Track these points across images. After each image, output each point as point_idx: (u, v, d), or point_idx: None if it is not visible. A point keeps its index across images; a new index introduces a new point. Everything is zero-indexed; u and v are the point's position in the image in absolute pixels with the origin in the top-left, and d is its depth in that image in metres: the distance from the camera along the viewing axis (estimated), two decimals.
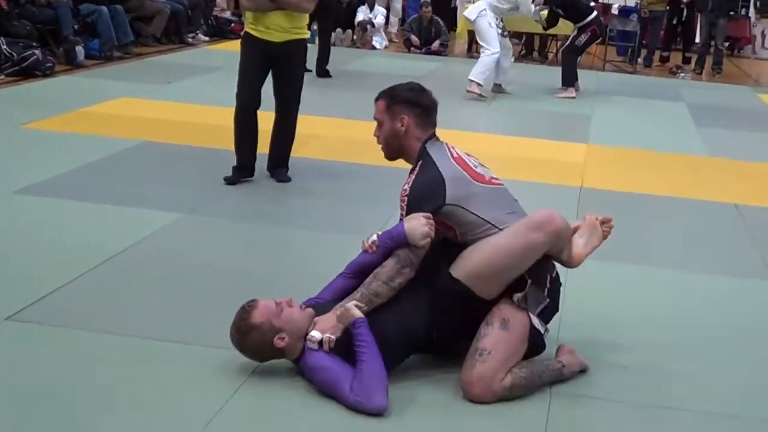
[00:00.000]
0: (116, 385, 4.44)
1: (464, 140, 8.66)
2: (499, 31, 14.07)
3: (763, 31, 23.03)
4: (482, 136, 10.53)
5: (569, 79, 14.47)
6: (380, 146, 4.96)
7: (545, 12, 14.88)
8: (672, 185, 9.13)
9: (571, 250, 4.82)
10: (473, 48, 19.52)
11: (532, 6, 14.15)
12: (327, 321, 4.49)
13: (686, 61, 19.70)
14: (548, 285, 4.71)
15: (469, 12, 14.01)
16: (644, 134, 11.89)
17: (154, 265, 6.05)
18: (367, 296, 4.50)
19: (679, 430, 4.46)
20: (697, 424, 4.52)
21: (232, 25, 19.68)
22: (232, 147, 8.03)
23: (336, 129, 10.67)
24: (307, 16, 8.07)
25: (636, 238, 7.29)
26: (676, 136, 11.99)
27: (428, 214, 4.54)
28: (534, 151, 10.16)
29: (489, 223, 4.62)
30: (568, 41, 14.67)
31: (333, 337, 4.43)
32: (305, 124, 10.48)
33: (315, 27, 15.57)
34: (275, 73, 7.96)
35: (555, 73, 14.72)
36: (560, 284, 4.84)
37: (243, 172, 8.01)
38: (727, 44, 20.90)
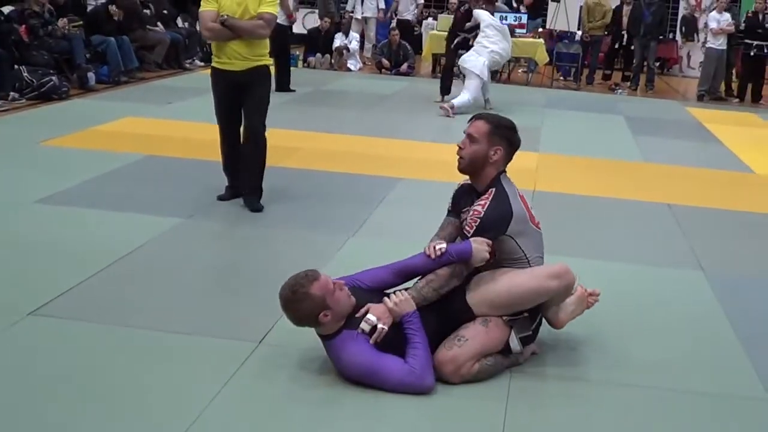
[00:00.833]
0: (126, 372, 4.42)
1: (429, 150, 8.62)
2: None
3: (688, 53, 23.22)
4: (445, 146, 10.51)
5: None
6: (459, 157, 4.76)
7: None
8: (613, 188, 9.15)
9: (558, 313, 4.84)
10: (437, 69, 19.55)
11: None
12: (381, 310, 4.44)
13: (626, 79, 19.77)
14: (537, 321, 4.76)
15: (471, 65, 13.80)
16: (588, 143, 11.90)
17: (158, 265, 6.03)
18: (417, 298, 4.47)
19: (626, 403, 4.45)
20: (645, 398, 4.51)
21: None
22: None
23: (317, 142, 10.62)
24: (267, 43, 7.54)
25: (582, 235, 7.32)
26: (616, 144, 12.02)
27: (490, 241, 4.55)
28: None
29: (525, 257, 4.66)
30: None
31: (386, 328, 4.38)
32: (290, 137, 10.54)
33: (298, 52, 15.59)
34: (243, 99, 7.40)
35: (510, 91, 14.71)
36: (541, 323, 4.84)
37: (234, 191, 7.61)
38: (658, 64, 21.06)
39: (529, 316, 4.68)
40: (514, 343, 4.61)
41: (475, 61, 13.70)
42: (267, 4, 7.26)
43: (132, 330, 4.90)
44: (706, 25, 19.49)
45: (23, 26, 13.78)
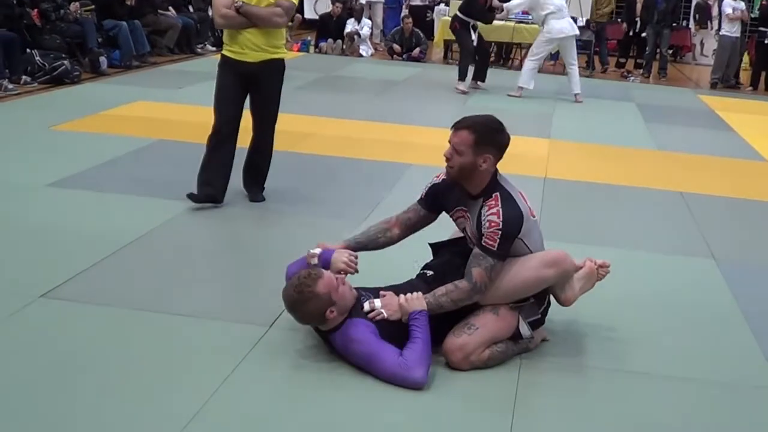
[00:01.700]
0: (137, 354, 4.44)
1: (441, 135, 8.58)
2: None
3: (701, 40, 23.11)
4: None
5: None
6: (447, 166, 4.62)
7: None
8: (625, 175, 9.13)
9: (567, 292, 4.82)
10: (449, 55, 19.57)
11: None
12: (392, 301, 4.45)
13: (638, 66, 19.74)
14: (544, 305, 4.75)
15: (571, 28, 14.32)
16: (600, 130, 11.89)
17: (169, 248, 6.04)
18: (432, 304, 4.45)
19: (638, 392, 4.44)
20: (654, 387, 4.51)
21: None
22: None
23: (329, 127, 10.62)
24: (283, 34, 7.06)
25: (593, 222, 7.32)
26: (628, 131, 11.99)
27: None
28: None
29: (529, 250, 4.61)
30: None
31: (384, 314, 4.40)
32: (302, 123, 10.55)
33: (309, 38, 15.59)
34: (251, 94, 6.97)
35: (518, 77, 14.66)
36: (550, 305, 4.83)
37: (209, 195, 6.91)
38: (671, 51, 21.00)
39: (536, 301, 4.68)
40: (524, 329, 4.61)
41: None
42: None
43: (142, 313, 4.92)
44: (719, 12, 19.42)
45: (35, 10, 13.77)
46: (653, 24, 18.67)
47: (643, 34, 19.47)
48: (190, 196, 6.83)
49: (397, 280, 4.75)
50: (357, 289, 4.57)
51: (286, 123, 10.43)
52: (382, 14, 22.39)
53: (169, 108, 11.22)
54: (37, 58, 12.74)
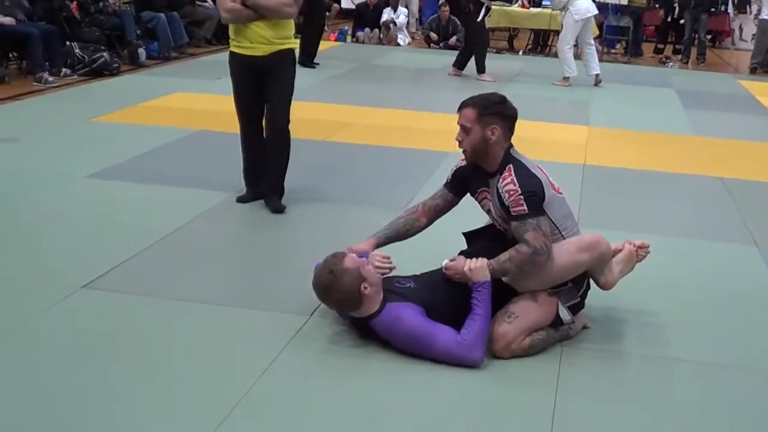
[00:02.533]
0: (178, 344, 4.46)
1: None
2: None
3: (740, 25, 22.98)
4: None
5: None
6: (462, 149, 4.71)
7: None
8: (664, 162, 9.06)
9: (607, 275, 4.81)
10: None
11: None
12: (457, 266, 4.46)
13: (677, 52, 19.62)
14: (583, 288, 4.73)
15: (594, 7, 14.29)
16: (638, 117, 11.82)
17: (208, 239, 6.05)
18: (496, 270, 4.43)
19: (678, 378, 4.42)
20: (694, 373, 4.48)
21: None
22: None
23: (366, 116, 10.62)
24: (292, 25, 6.64)
25: (633, 209, 7.27)
26: (667, 118, 11.89)
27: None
28: (541, 132, 10.09)
29: (557, 228, 4.59)
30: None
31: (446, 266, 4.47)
32: (339, 112, 10.58)
33: (346, 27, 15.59)
34: (263, 88, 6.61)
35: (559, 64, 14.57)
36: (590, 289, 4.81)
37: (257, 192, 6.83)
38: (709, 37, 20.85)
39: (574, 285, 4.65)
40: (564, 314, 4.58)
41: None
42: None
43: (182, 303, 4.94)
44: None
45: (74, 3, 13.89)
46: (691, 9, 18.55)
47: (682, 21, 19.33)
48: (241, 200, 6.81)
49: (431, 267, 4.75)
50: (393, 278, 4.59)
51: (322, 112, 10.47)
52: (418, 2, 22.36)
53: (208, 99, 11.24)
54: (77, 50, 12.83)
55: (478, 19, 14.34)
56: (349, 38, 19.42)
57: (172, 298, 4.99)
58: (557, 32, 18.85)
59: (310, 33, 14.84)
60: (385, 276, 4.57)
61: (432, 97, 12.27)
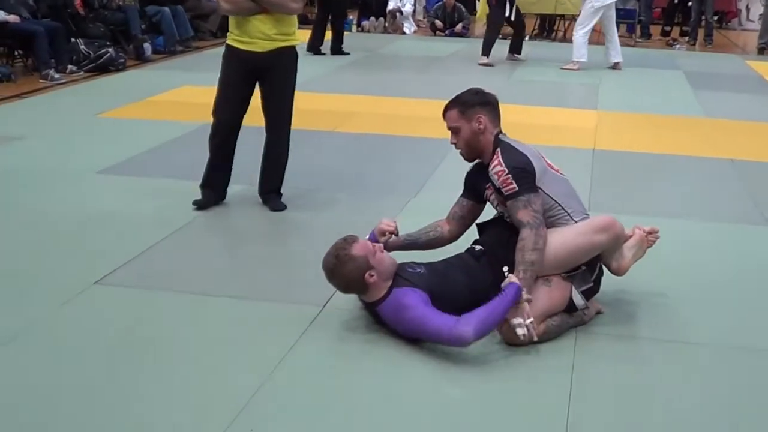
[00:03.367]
0: (193, 337, 4.47)
1: None
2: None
3: (747, 5, 22.92)
4: (504, 107, 10.44)
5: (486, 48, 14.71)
6: (459, 151, 4.78)
7: None
8: (674, 144, 9.04)
9: (620, 260, 4.83)
10: None
11: None
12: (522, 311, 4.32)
13: (684, 34, 19.58)
14: (596, 272, 4.72)
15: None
16: (647, 100, 11.80)
17: (219, 232, 6.08)
18: (527, 269, 4.40)
19: (694, 362, 4.40)
20: (711, 356, 4.47)
21: None
22: None
23: (374, 106, 10.62)
24: (295, 20, 6.37)
25: (644, 192, 7.27)
26: (676, 100, 11.87)
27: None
28: (551, 118, 10.10)
29: (561, 206, 4.60)
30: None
31: (531, 328, 4.30)
32: (346, 102, 10.58)
33: (351, 16, 15.81)
34: (263, 87, 6.37)
35: (564, 49, 14.57)
36: (603, 274, 4.81)
37: (215, 195, 6.56)
38: (716, 18, 20.78)
39: (588, 269, 4.65)
40: (578, 298, 4.58)
41: None
42: None
43: (195, 296, 4.94)
44: None
45: None
46: None
47: (689, 2, 19.27)
48: (200, 205, 6.45)
49: (446, 255, 4.76)
50: (406, 263, 4.59)
51: (329, 102, 10.46)
52: None
53: (214, 92, 11.21)
54: (82, 46, 12.84)
55: (506, 12, 14.67)
56: (354, 28, 19.40)
57: (184, 292, 5.00)
58: (563, 17, 18.91)
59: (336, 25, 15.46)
60: (399, 263, 4.57)
61: (439, 85, 12.21)
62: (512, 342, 4.39)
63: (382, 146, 8.61)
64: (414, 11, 20.85)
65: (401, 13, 19.63)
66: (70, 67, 12.44)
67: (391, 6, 19.64)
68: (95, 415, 3.72)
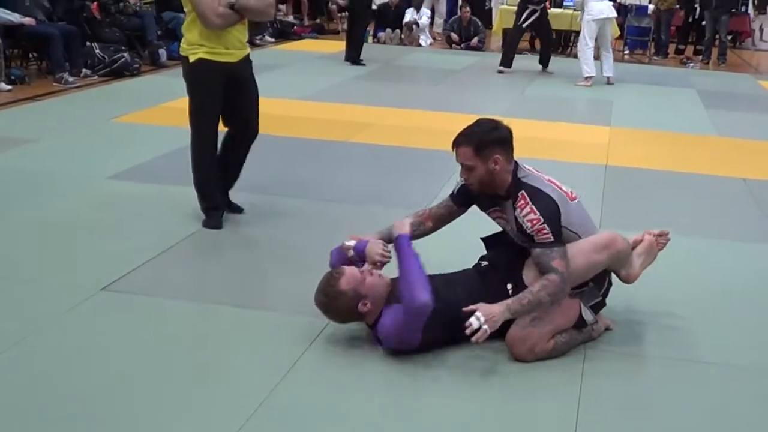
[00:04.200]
0: (198, 346, 4.45)
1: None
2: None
3: (761, 26, 22.89)
4: (517, 121, 10.40)
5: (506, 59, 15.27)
6: (469, 185, 4.62)
7: None
8: (686, 162, 9.00)
9: (629, 269, 4.79)
10: None
11: None
12: (491, 311, 4.27)
13: (698, 53, 19.56)
14: (605, 286, 4.69)
15: (610, 10, 14.48)
16: (660, 117, 11.76)
17: (229, 241, 6.04)
18: (532, 302, 4.31)
19: (702, 381, 4.36)
20: (718, 376, 4.43)
21: (295, 27, 19.96)
22: (294, 134, 7.90)
23: (388, 117, 10.58)
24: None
25: (655, 209, 7.23)
26: (689, 118, 11.82)
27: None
28: (564, 133, 10.06)
29: (576, 235, 4.54)
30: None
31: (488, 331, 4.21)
32: (360, 113, 10.56)
33: (368, 28, 16.00)
34: (233, 95, 6.17)
35: (577, 65, 14.55)
36: (611, 286, 4.77)
37: (220, 211, 6.36)
38: (730, 37, 20.75)
39: (596, 285, 4.62)
40: (587, 315, 4.55)
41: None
42: None
43: (202, 305, 4.92)
44: None
45: (95, 3, 13.92)
46: (712, 10, 18.46)
47: (703, 22, 19.26)
48: (208, 225, 6.23)
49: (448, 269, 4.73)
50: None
51: (344, 113, 10.45)
52: (446, 3, 22.28)
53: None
54: (97, 50, 12.86)
55: (520, 22, 15.24)
56: (370, 39, 19.38)
57: (191, 300, 4.98)
58: (578, 33, 18.88)
59: (357, 31, 15.78)
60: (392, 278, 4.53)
61: (454, 97, 12.21)
62: (522, 359, 4.37)
63: (395, 157, 8.57)
64: (431, 24, 20.84)
65: (417, 25, 19.63)
66: (84, 71, 12.45)
67: (407, 18, 19.63)
68: (98, 421, 3.69)
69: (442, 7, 21.97)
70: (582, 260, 4.48)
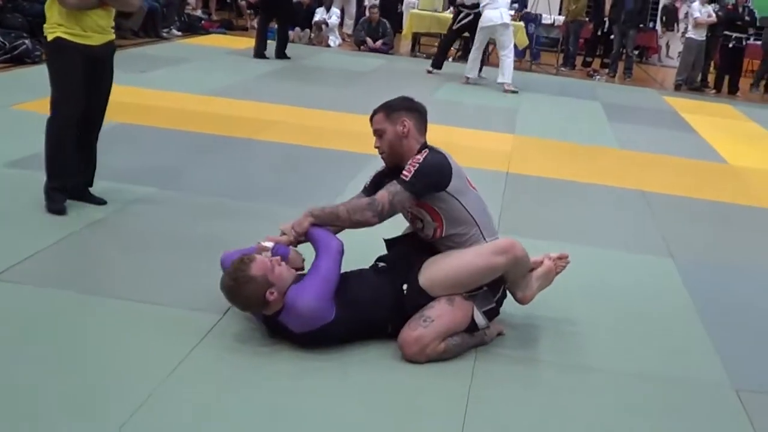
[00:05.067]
0: (88, 338, 4.40)
1: None
2: None
3: (667, 42, 23.33)
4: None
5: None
6: (382, 156, 4.79)
7: None
8: (587, 173, 9.14)
9: (525, 291, 4.87)
10: (416, 48, 19.55)
11: None
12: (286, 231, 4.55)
13: (605, 66, 19.87)
14: (499, 294, 4.75)
15: (500, 17, 14.58)
16: (564, 128, 11.94)
17: (126, 234, 5.98)
18: (328, 212, 4.61)
19: (589, 386, 4.46)
20: (605, 382, 4.53)
21: (203, 21, 19.80)
22: (197, 129, 7.84)
23: (295, 116, 10.57)
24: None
25: (554, 218, 7.33)
26: (592, 130, 12.03)
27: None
28: (467, 139, 10.14)
29: (474, 221, 4.65)
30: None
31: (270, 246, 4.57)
32: (267, 110, 10.53)
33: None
34: (88, 79, 6.16)
35: (488, 73, 14.72)
36: (506, 296, 4.84)
37: (65, 195, 6.25)
38: (637, 52, 21.14)
39: (490, 290, 4.67)
40: (479, 318, 4.61)
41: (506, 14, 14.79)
42: None
43: (95, 297, 4.86)
44: (686, 15, 19.57)
45: None
46: (620, 24, 18.79)
47: (611, 36, 19.58)
48: (60, 211, 6.14)
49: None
50: (304, 273, 4.58)
51: (250, 110, 10.42)
52: (356, 4, 22.31)
53: (131, 91, 11.09)
54: None
55: (454, 26, 15.96)
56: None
57: (81, 292, 4.92)
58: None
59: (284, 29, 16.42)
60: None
61: (361, 100, 12.20)
62: (414, 359, 4.41)
63: (298, 156, 8.57)
64: (341, 24, 20.85)
65: (327, 25, 19.63)
66: None
67: (317, 17, 19.62)
68: None
69: (352, 8, 22.00)
70: (481, 261, 4.56)
